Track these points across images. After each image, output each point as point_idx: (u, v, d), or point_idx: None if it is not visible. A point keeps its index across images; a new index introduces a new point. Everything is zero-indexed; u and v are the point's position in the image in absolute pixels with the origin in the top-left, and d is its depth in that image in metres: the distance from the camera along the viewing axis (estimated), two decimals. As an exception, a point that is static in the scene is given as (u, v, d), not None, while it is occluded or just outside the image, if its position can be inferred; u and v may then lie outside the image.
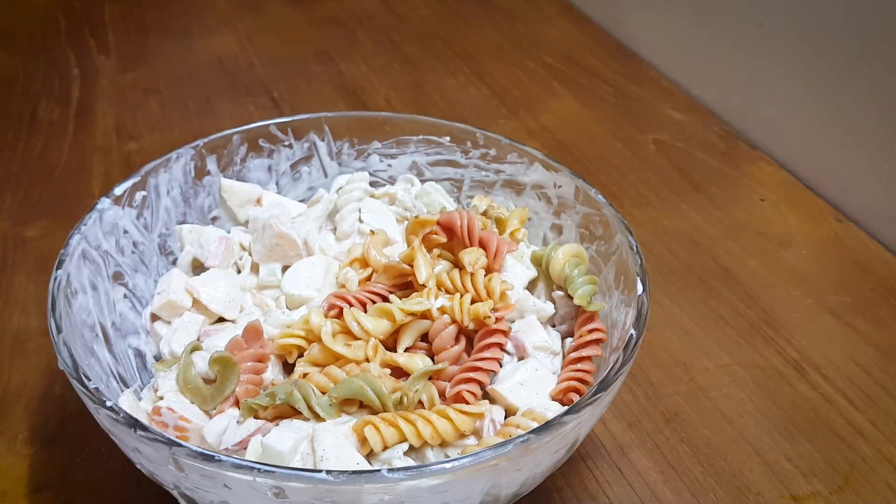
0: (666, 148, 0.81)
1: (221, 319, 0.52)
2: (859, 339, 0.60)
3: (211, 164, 0.58)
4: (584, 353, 0.47)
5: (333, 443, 0.40)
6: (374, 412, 0.43)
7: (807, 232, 0.71)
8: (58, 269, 0.45)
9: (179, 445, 0.35)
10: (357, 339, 0.46)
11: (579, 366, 0.47)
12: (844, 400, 0.56)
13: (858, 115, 0.71)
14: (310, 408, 0.42)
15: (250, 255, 0.55)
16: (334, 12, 1.07)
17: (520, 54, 0.97)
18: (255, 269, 0.55)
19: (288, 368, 0.48)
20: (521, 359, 0.49)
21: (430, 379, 0.46)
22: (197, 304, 0.51)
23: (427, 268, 0.48)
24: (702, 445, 0.52)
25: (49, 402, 0.54)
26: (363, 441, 0.41)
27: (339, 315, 0.47)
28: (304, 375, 0.45)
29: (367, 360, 0.45)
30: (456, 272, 0.48)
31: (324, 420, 0.43)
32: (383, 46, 0.99)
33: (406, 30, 1.03)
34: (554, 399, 0.46)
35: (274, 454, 0.40)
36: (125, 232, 0.53)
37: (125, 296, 0.52)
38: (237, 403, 0.45)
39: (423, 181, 0.61)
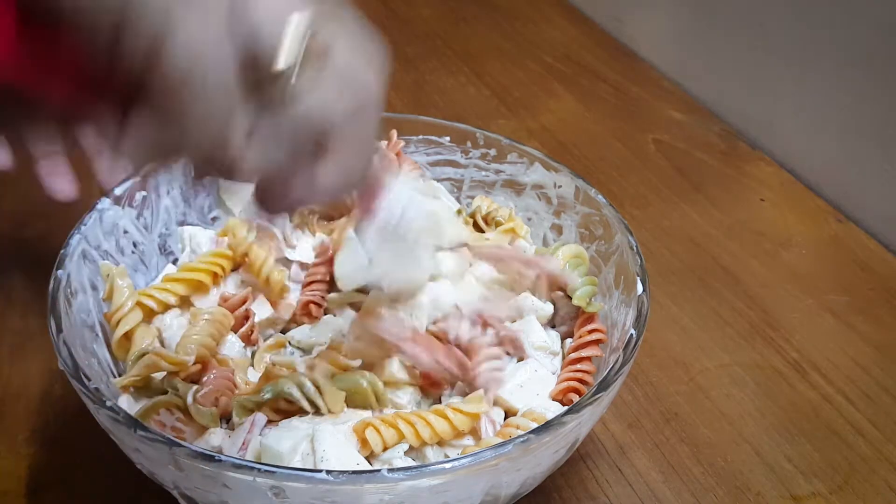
0: (666, 148, 0.81)
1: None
2: (859, 339, 0.60)
3: (211, 164, 0.58)
4: (583, 353, 0.47)
5: (333, 443, 0.40)
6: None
7: (807, 232, 0.71)
8: (58, 268, 0.45)
9: (179, 445, 0.35)
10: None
11: (579, 366, 0.47)
12: (844, 400, 0.56)
13: (858, 115, 0.71)
14: (308, 399, 0.42)
15: None
16: (334, 12, 1.07)
17: (520, 54, 0.97)
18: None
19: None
20: (520, 360, 0.49)
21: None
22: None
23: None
24: (702, 445, 0.52)
25: (49, 402, 0.54)
26: (363, 442, 0.41)
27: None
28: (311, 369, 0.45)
29: None
30: None
31: (320, 411, 0.42)
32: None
33: (406, 30, 1.03)
34: (554, 399, 0.46)
35: (273, 454, 0.40)
36: (125, 232, 0.53)
37: (125, 296, 0.52)
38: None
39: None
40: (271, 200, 0.31)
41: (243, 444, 0.42)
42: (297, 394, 0.42)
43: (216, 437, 0.43)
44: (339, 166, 0.30)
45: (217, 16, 0.25)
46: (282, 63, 0.26)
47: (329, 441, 0.40)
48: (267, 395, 0.42)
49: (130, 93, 0.26)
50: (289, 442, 0.40)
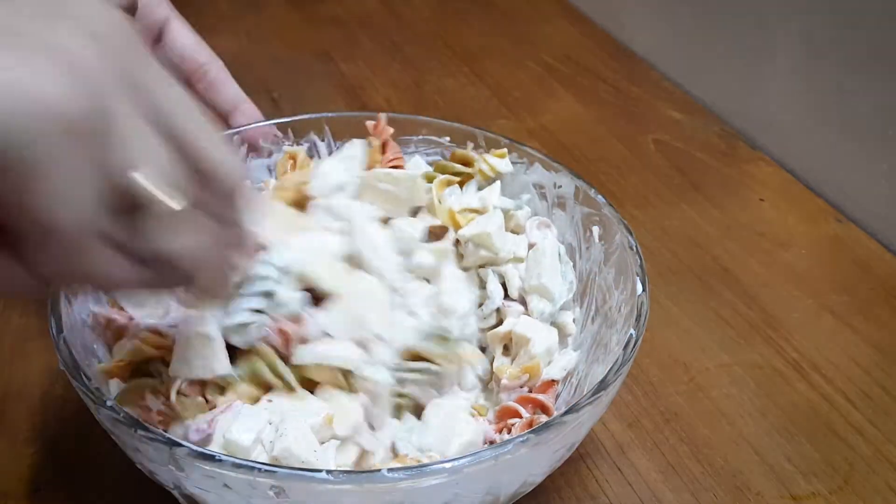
0: (666, 148, 0.81)
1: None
2: (859, 339, 0.60)
3: (211, 164, 0.58)
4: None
5: (296, 436, 0.40)
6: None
7: (807, 232, 0.71)
8: (58, 269, 0.45)
9: (180, 445, 0.35)
10: None
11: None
12: (844, 400, 0.56)
13: (858, 115, 0.71)
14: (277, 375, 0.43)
15: None
16: (334, 12, 1.07)
17: (520, 54, 0.97)
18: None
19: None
20: None
21: None
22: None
23: None
24: (701, 445, 0.52)
25: (49, 402, 0.54)
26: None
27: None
28: None
29: None
30: None
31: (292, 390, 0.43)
32: (383, 46, 0.99)
33: (406, 30, 1.03)
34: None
35: (237, 449, 0.40)
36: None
37: (125, 295, 0.51)
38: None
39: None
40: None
41: (211, 422, 0.42)
42: (268, 375, 0.43)
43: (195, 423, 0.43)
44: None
45: (86, 160, 0.26)
46: (152, 207, 0.27)
47: (292, 434, 0.40)
48: (240, 373, 0.43)
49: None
50: (251, 434, 0.40)
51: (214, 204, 0.30)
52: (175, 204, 0.27)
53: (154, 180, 0.27)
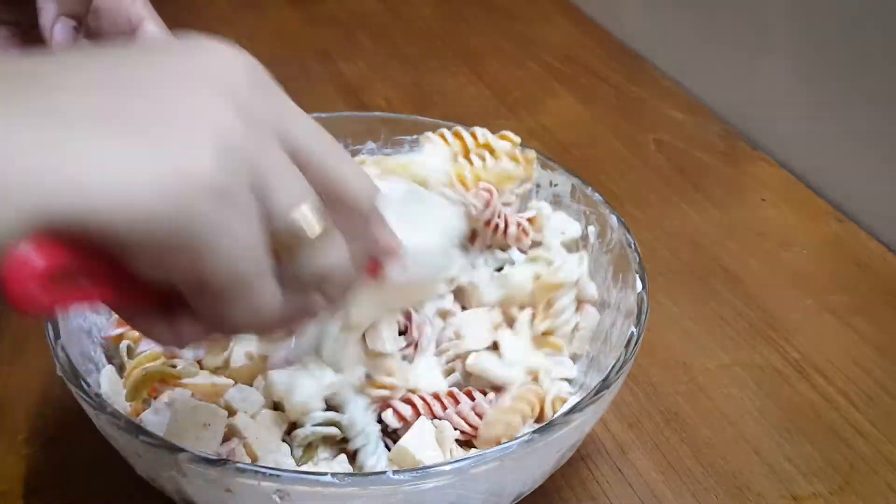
0: (666, 148, 0.81)
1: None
2: (859, 339, 0.60)
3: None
4: None
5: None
6: None
7: (807, 232, 0.71)
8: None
9: (182, 450, 0.35)
10: None
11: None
12: (844, 400, 0.56)
13: (858, 115, 0.72)
14: None
15: None
16: (334, 12, 1.07)
17: (520, 54, 0.97)
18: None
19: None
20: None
21: None
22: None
23: None
24: (702, 445, 0.52)
25: (49, 402, 0.54)
26: None
27: None
28: None
29: None
30: None
31: None
32: (383, 46, 0.99)
33: (406, 30, 1.02)
34: None
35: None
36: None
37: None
38: None
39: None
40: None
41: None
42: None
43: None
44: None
45: (249, 217, 0.27)
46: (309, 237, 0.29)
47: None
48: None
49: (171, 300, 0.28)
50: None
51: (348, 222, 0.32)
52: (322, 228, 0.29)
53: (310, 213, 0.29)
